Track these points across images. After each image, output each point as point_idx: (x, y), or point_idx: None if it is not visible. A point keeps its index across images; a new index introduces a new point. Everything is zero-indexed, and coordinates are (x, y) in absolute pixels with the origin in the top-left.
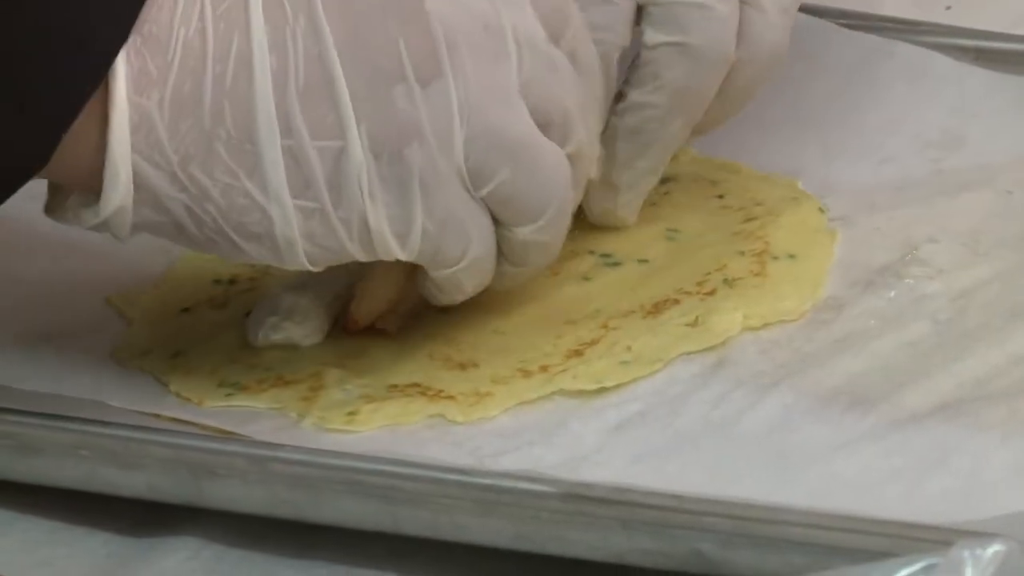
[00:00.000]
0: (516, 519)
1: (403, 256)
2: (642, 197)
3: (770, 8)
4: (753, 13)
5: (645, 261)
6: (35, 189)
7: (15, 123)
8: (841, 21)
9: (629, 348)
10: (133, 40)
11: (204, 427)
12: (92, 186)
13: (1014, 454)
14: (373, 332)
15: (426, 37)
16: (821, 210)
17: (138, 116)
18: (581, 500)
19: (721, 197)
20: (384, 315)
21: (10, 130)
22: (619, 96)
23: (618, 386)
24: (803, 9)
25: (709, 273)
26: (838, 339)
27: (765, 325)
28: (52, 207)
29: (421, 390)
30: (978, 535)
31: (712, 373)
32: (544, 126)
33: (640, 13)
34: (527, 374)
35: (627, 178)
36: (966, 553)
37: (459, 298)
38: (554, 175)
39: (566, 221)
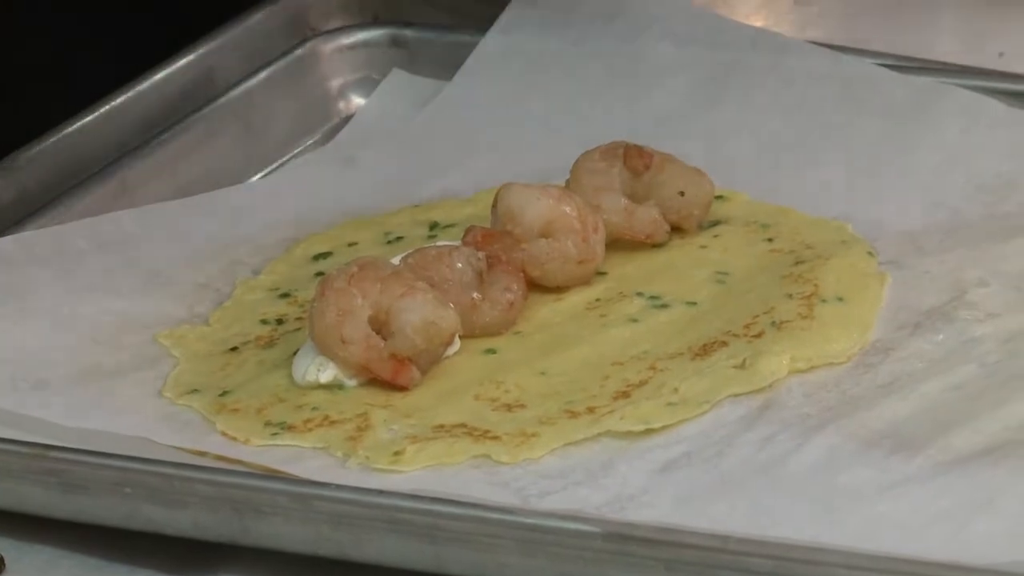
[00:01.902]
0: (560, 559)
1: None
2: None
3: None
4: None
5: (693, 304)
6: (85, 229)
7: None
8: (893, 64)
9: (676, 390)
10: None
11: (249, 465)
12: None
13: None
14: (394, 386)
15: None
16: (871, 253)
17: None
18: (625, 540)
19: (771, 240)
20: (402, 370)
21: None
22: None
23: (665, 428)
24: (855, 51)
25: (757, 316)
26: (885, 382)
27: (812, 368)
28: None
29: (467, 430)
30: None
31: (758, 415)
32: None
33: None
34: (574, 415)
35: None
36: None
37: None
38: None
39: None
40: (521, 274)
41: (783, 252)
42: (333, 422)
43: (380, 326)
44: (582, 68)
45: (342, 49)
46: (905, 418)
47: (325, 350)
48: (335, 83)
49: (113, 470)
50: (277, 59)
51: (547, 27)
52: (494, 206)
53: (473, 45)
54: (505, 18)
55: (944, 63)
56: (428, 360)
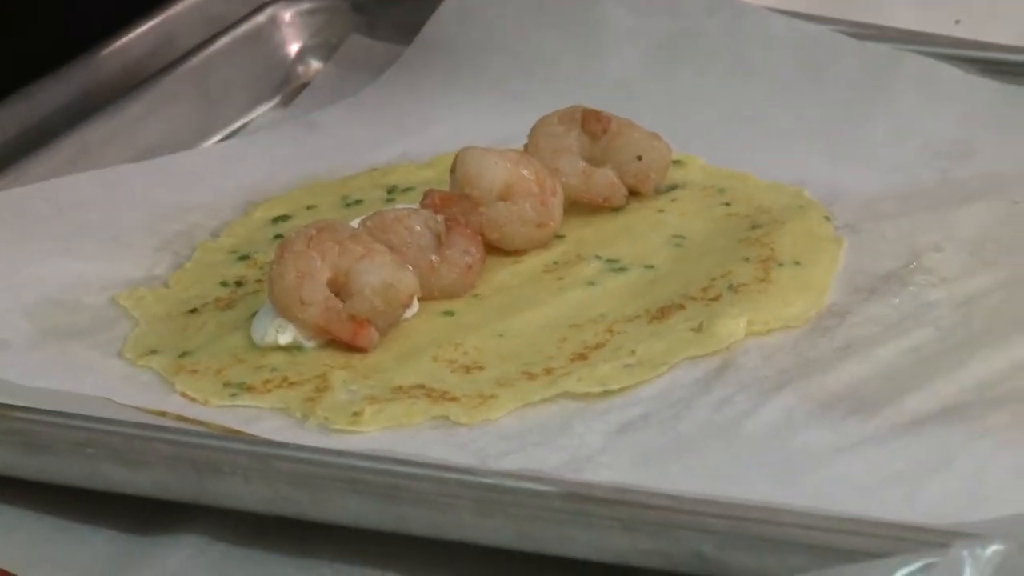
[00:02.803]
0: (518, 519)
1: None
2: None
3: None
4: None
5: (651, 267)
6: (44, 191)
7: None
8: (850, 31)
9: (633, 352)
10: None
11: (209, 425)
12: None
13: (1015, 458)
14: (353, 348)
15: None
16: (827, 218)
17: None
18: (583, 500)
19: (728, 205)
20: (361, 331)
21: None
22: None
23: (622, 389)
24: (812, 19)
25: (714, 279)
26: (841, 345)
27: (769, 331)
28: None
29: (425, 392)
30: (977, 536)
31: (715, 377)
32: None
33: None
34: (531, 377)
35: None
36: (965, 553)
37: None
38: None
39: None
40: (479, 237)
41: (740, 216)
42: (292, 383)
43: (339, 288)
44: (540, 34)
45: (302, 14)
46: (861, 381)
47: (284, 312)
48: (294, 48)
49: (75, 430)
50: (237, 24)
51: None
52: (452, 170)
53: (432, 10)
54: None
55: (900, 30)
56: (387, 322)
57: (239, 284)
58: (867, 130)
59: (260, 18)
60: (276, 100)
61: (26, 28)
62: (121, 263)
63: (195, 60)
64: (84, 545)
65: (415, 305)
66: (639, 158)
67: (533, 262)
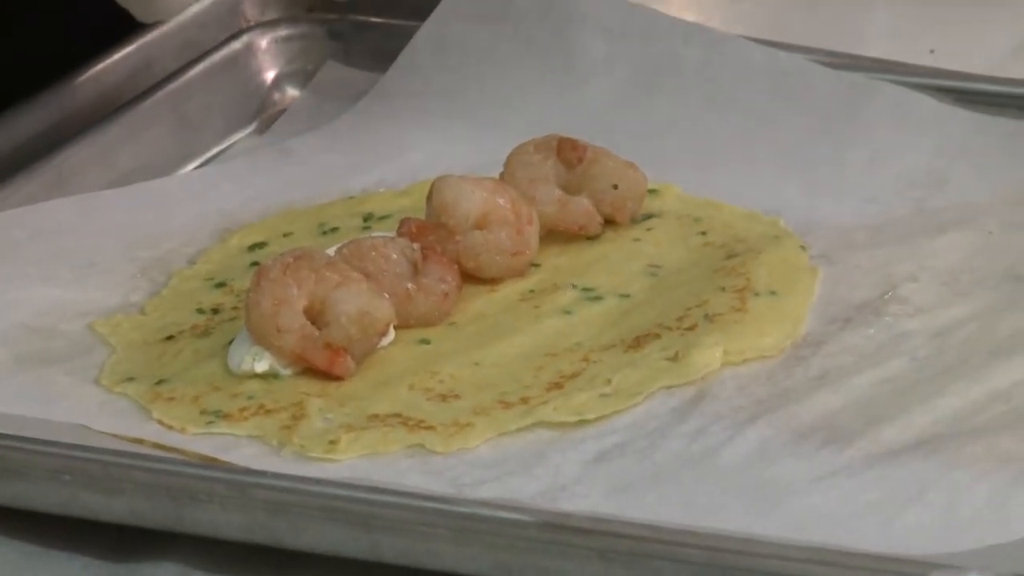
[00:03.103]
0: (494, 548)
1: None
2: None
3: None
4: None
5: (627, 296)
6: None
7: None
8: (825, 60)
9: (609, 381)
10: None
11: (186, 453)
12: None
13: (990, 489)
14: (329, 376)
15: None
16: (803, 247)
17: None
18: (559, 529)
19: (704, 234)
20: (337, 359)
21: None
22: None
23: (598, 419)
24: (788, 47)
25: (690, 308)
26: (817, 375)
27: (745, 360)
28: None
29: (402, 420)
30: (954, 567)
31: (691, 407)
32: None
33: None
34: (507, 405)
35: None
36: None
37: None
38: None
39: None
40: (455, 266)
41: (716, 246)
42: (268, 411)
43: (315, 316)
44: (516, 62)
45: (278, 41)
46: (836, 411)
47: (260, 339)
48: (270, 75)
49: (51, 456)
50: (213, 50)
51: (482, 20)
52: (429, 198)
53: (408, 37)
54: (440, 11)
55: (875, 59)
56: (363, 350)
57: (215, 311)
58: (842, 159)
59: (236, 45)
60: (252, 127)
61: (2, 54)
62: (97, 290)
63: (172, 86)
64: (60, 572)
65: (391, 333)
66: (615, 187)
67: (509, 291)
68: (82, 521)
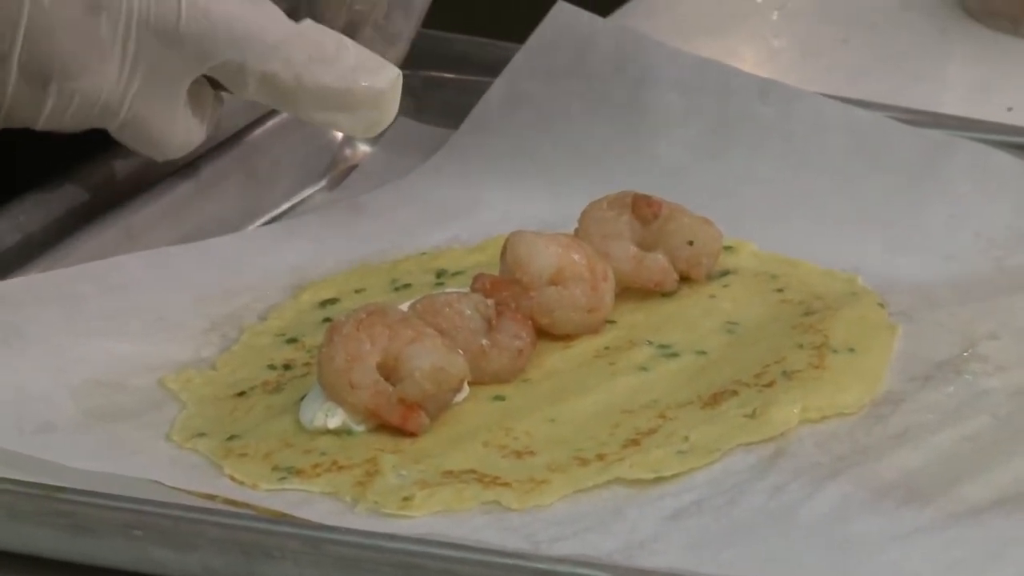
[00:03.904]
0: None
1: None
2: None
3: None
4: None
5: (703, 353)
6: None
7: None
8: (903, 117)
9: (686, 438)
10: None
11: (258, 509)
12: None
13: None
14: (403, 432)
15: None
16: (881, 305)
17: None
18: None
19: (780, 291)
20: (411, 416)
21: None
22: None
23: (675, 476)
24: (864, 105)
25: (768, 365)
26: (896, 433)
27: (823, 418)
28: None
29: (477, 477)
30: None
31: (769, 464)
32: None
33: None
34: (584, 462)
35: None
36: None
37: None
38: None
39: None
40: (530, 322)
41: (793, 303)
42: (341, 467)
43: (389, 372)
44: (589, 118)
45: None
46: (917, 469)
47: (333, 395)
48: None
49: (122, 511)
50: None
51: (555, 76)
52: (503, 254)
53: (480, 94)
54: (512, 67)
55: (954, 116)
56: (437, 406)
57: (287, 367)
58: (921, 217)
59: None
60: (323, 183)
61: None
62: (168, 345)
63: (242, 142)
64: None
65: (465, 389)
66: (690, 243)
67: (584, 347)
68: None
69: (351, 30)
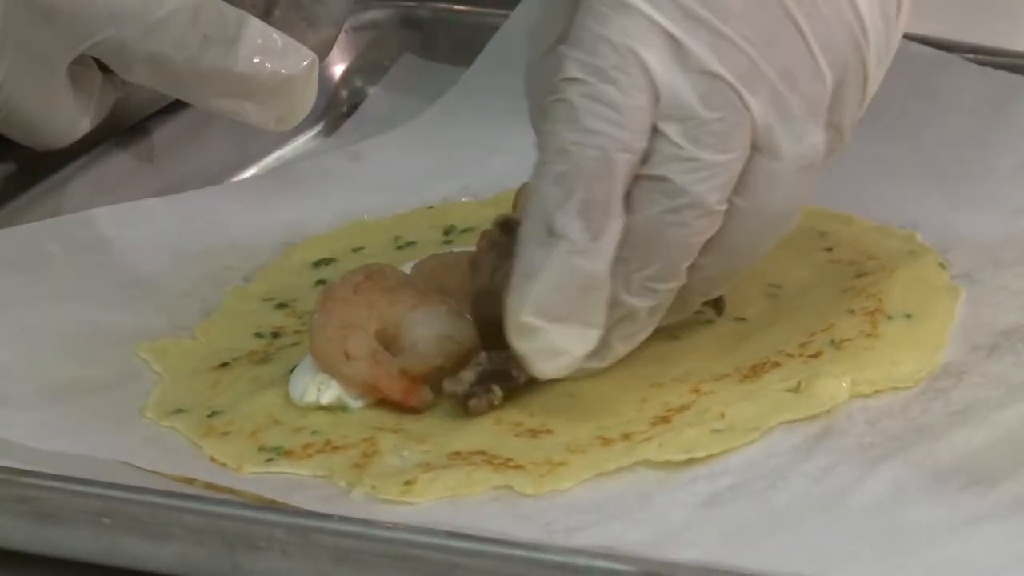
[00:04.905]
0: None
1: None
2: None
3: (787, 161)
4: (764, 162)
5: (743, 319)
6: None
7: None
8: (971, 56)
9: (722, 415)
10: None
11: (242, 494)
12: None
13: None
14: (404, 408)
15: None
16: (942, 265)
17: None
18: None
19: (830, 250)
20: (414, 390)
21: None
22: None
23: (709, 457)
24: (929, 42)
25: (814, 333)
26: (957, 409)
27: (876, 392)
28: None
29: (487, 458)
30: None
31: (815, 444)
32: None
33: None
34: (607, 442)
35: None
36: None
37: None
38: None
39: None
40: None
41: (843, 263)
42: (336, 448)
43: (389, 341)
44: None
45: (347, 31)
46: (980, 449)
47: (327, 367)
48: (339, 69)
49: (90, 498)
50: None
51: None
52: (514, 207)
53: (496, 28)
54: None
55: None
56: (442, 379)
57: (275, 335)
58: (988, 167)
59: None
60: (318, 128)
61: None
62: (142, 311)
63: None
64: None
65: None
66: None
67: None
68: (125, 571)
69: (268, 7)
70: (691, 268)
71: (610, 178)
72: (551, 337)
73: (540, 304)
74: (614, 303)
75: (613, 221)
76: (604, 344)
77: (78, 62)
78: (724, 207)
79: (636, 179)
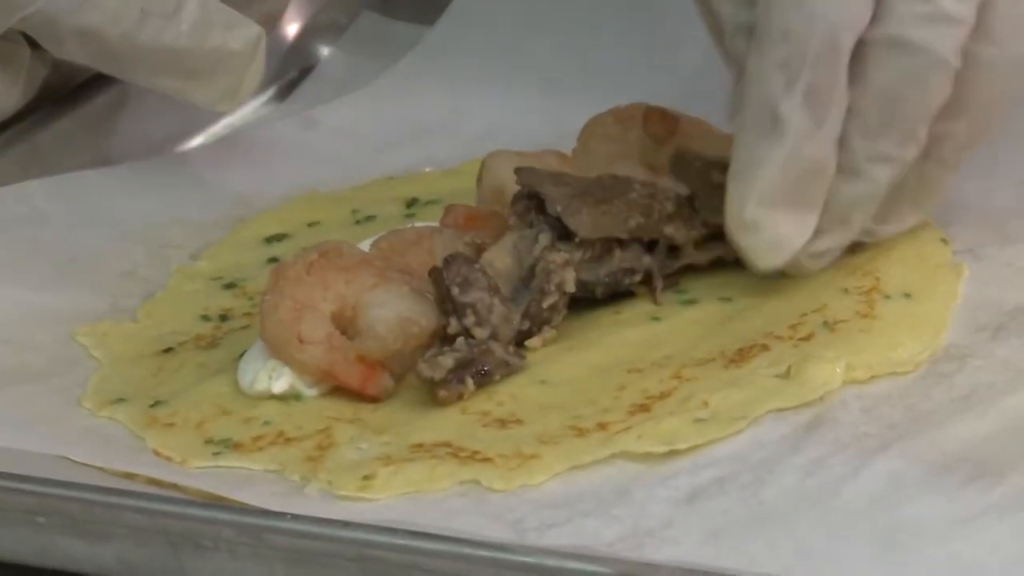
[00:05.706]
0: None
1: None
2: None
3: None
4: (1006, 5)
5: (727, 299)
6: None
7: None
8: None
9: (706, 403)
10: None
11: (187, 491)
12: None
13: None
14: (362, 397)
15: None
16: (944, 241)
17: None
18: None
19: None
20: (373, 377)
21: None
22: None
23: (692, 449)
24: None
25: (805, 314)
26: (960, 395)
27: (872, 377)
28: None
29: (452, 451)
30: None
31: (806, 434)
32: None
33: None
34: (581, 432)
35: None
36: None
37: None
38: None
39: None
40: None
41: None
42: (289, 439)
43: (346, 324)
44: (594, 13)
45: None
46: (985, 438)
47: (279, 352)
48: (292, 28)
49: (23, 495)
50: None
51: None
52: (479, 179)
53: None
54: None
55: None
56: (403, 365)
57: (224, 318)
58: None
59: None
60: (270, 93)
61: None
62: (80, 292)
63: None
64: None
65: None
66: None
67: None
68: (62, 573)
69: None
70: (933, 138)
71: (836, 60)
72: (774, 230)
73: (765, 197)
74: (850, 180)
75: (837, 104)
76: (841, 226)
77: (5, 37)
78: (958, 64)
79: (862, 46)
